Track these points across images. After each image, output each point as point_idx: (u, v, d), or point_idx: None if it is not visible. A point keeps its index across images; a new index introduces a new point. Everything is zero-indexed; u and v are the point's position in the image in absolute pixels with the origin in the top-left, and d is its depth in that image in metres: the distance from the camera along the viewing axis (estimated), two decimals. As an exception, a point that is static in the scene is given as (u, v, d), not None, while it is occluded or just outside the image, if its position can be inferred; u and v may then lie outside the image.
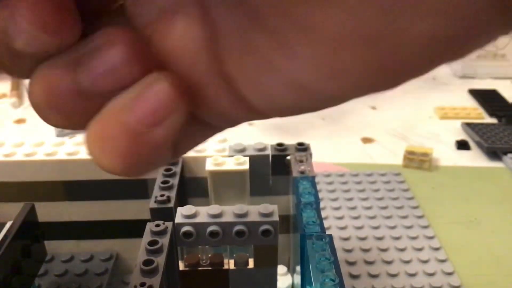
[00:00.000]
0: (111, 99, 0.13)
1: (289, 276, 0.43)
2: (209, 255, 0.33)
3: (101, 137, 0.13)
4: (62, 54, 0.13)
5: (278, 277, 0.35)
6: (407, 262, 0.46)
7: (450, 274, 0.45)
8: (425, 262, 0.46)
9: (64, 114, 0.13)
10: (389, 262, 0.46)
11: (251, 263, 0.33)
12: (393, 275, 0.44)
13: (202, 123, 0.15)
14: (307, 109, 0.14)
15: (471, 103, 0.81)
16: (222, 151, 0.40)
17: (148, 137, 0.12)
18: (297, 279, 0.37)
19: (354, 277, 0.44)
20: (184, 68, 0.13)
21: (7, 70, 0.13)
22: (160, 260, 0.28)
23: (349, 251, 0.48)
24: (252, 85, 0.13)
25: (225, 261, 0.33)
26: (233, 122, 0.15)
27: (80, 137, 0.62)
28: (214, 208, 0.31)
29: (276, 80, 0.12)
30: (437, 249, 0.48)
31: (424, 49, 0.11)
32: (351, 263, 0.46)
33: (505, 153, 0.64)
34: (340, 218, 0.53)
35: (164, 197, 0.34)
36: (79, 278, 0.43)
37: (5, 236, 0.33)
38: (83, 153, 0.41)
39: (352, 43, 0.11)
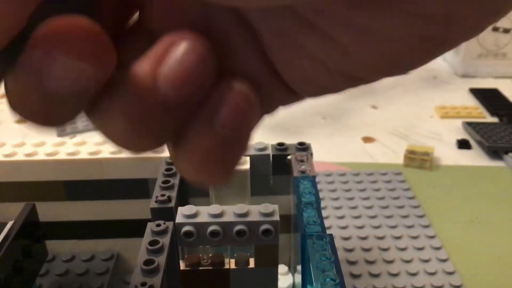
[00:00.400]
0: (192, 111, 0.13)
1: (290, 275, 0.43)
2: (210, 255, 0.33)
3: (200, 154, 0.13)
4: (114, 87, 0.12)
5: (279, 277, 0.35)
6: (408, 261, 0.46)
7: (451, 273, 0.45)
8: (426, 261, 0.46)
9: (154, 135, 0.13)
10: (390, 262, 0.46)
11: (252, 263, 0.33)
12: (394, 275, 0.44)
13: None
14: (340, 91, 0.15)
15: (472, 102, 0.81)
16: (222, 151, 0.40)
17: (235, 137, 0.14)
18: (298, 278, 0.37)
19: (355, 276, 0.44)
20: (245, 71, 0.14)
21: (41, 119, 0.12)
22: (161, 260, 0.28)
23: (350, 250, 0.48)
24: (299, 79, 0.14)
25: (226, 260, 0.33)
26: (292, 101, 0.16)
27: (79, 137, 0.62)
28: (215, 208, 0.31)
29: (323, 73, 0.14)
30: (438, 248, 0.48)
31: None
32: (352, 263, 0.46)
33: (506, 152, 0.64)
34: (341, 217, 0.53)
35: (165, 197, 0.34)
36: (80, 277, 0.43)
37: (6, 236, 0.33)
38: (83, 153, 0.41)
39: (401, 43, 0.13)
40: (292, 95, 0.15)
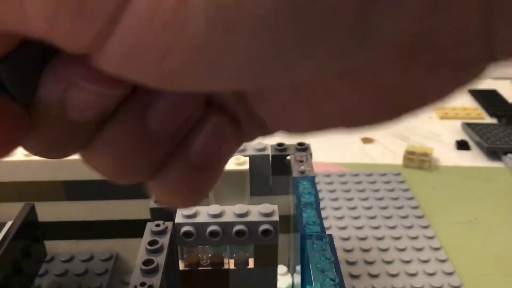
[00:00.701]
0: (177, 145, 0.13)
1: (289, 276, 0.43)
2: (209, 255, 0.33)
3: (173, 187, 0.14)
4: (124, 108, 0.13)
5: (278, 277, 0.35)
6: (407, 262, 0.46)
7: (450, 274, 0.45)
8: (425, 262, 0.46)
9: (138, 169, 0.13)
10: (389, 262, 0.46)
11: (251, 263, 0.33)
12: (393, 275, 0.44)
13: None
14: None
15: (471, 103, 0.81)
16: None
17: (209, 168, 0.14)
18: (297, 279, 0.37)
19: (354, 277, 0.44)
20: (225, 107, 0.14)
21: (60, 147, 0.13)
22: (160, 260, 0.28)
23: (349, 251, 0.48)
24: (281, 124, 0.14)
25: (225, 261, 0.33)
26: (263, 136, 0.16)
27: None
28: (214, 208, 0.31)
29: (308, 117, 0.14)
30: (437, 249, 0.48)
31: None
32: (351, 263, 0.46)
33: (505, 153, 0.64)
34: (340, 218, 0.53)
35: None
36: (79, 278, 0.43)
37: (5, 236, 0.33)
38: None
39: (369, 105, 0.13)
40: (273, 132, 0.15)
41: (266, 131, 0.15)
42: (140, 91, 0.13)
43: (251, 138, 0.15)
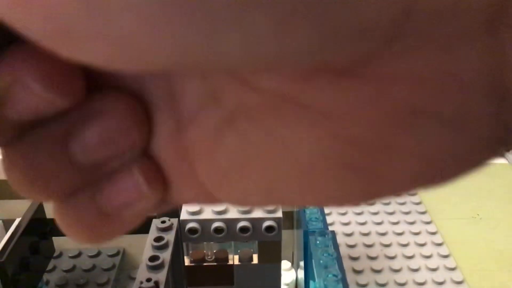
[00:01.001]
0: (100, 171, 0.12)
1: (293, 271, 0.44)
2: (214, 251, 0.34)
3: (75, 218, 0.12)
4: (51, 122, 0.11)
5: (282, 272, 0.36)
6: (410, 257, 0.46)
7: (452, 269, 0.45)
8: (428, 257, 0.46)
9: (48, 189, 0.12)
10: (392, 258, 0.46)
11: (255, 259, 0.34)
12: (396, 270, 0.45)
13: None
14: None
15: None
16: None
17: (116, 218, 0.12)
18: (301, 274, 0.38)
19: (357, 272, 0.45)
20: (157, 158, 0.12)
21: None
22: (166, 256, 0.29)
23: (352, 246, 0.48)
24: (224, 190, 0.12)
25: (230, 256, 0.34)
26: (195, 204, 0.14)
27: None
28: (219, 205, 0.32)
29: (250, 187, 0.12)
30: (439, 244, 0.48)
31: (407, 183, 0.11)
32: (354, 259, 0.46)
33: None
34: (343, 214, 0.53)
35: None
36: (86, 273, 0.43)
37: (14, 232, 0.34)
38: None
39: (327, 167, 0.10)
40: (209, 198, 0.13)
41: (210, 199, 0.13)
42: (74, 112, 0.11)
43: (186, 201, 0.13)
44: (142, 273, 0.27)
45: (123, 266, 0.45)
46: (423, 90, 0.09)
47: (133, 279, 0.43)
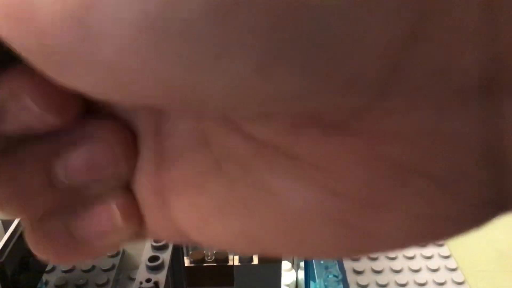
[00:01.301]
0: (80, 196, 0.12)
1: (293, 271, 0.43)
2: (214, 251, 0.34)
3: (45, 239, 0.12)
4: (39, 140, 0.11)
5: (283, 273, 0.36)
6: (411, 258, 0.46)
7: (453, 270, 0.45)
8: (429, 258, 0.46)
9: (24, 206, 0.12)
10: (392, 258, 0.46)
11: (255, 259, 0.34)
12: (397, 271, 0.45)
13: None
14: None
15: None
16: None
17: (87, 246, 0.12)
18: (301, 275, 0.38)
19: (357, 272, 0.44)
20: (136, 193, 0.12)
21: None
22: (166, 257, 0.28)
23: (353, 247, 0.48)
24: (198, 232, 0.12)
25: (230, 257, 0.34)
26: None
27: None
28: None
29: (225, 232, 0.11)
30: (440, 245, 0.48)
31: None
32: (355, 259, 0.46)
33: (509, 149, 0.64)
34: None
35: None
36: (86, 274, 0.43)
37: (13, 232, 0.33)
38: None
39: (315, 220, 0.10)
40: (183, 238, 0.12)
41: (185, 239, 0.12)
42: (65, 132, 0.11)
43: (159, 238, 0.13)
44: (142, 274, 0.27)
45: (123, 266, 0.45)
46: (416, 149, 0.09)
47: (133, 279, 0.43)
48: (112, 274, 0.43)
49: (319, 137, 0.09)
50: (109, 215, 0.12)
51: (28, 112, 0.10)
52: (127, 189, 0.12)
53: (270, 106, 0.09)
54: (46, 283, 0.42)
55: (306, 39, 0.07)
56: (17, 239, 0.33)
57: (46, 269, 0.41)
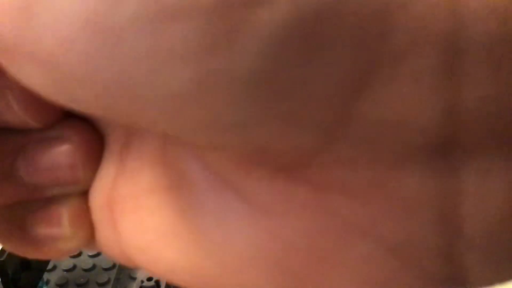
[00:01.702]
0: (39, 194, 0.12)
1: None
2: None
3: (5, 228, 0.12)
4: (10, 135, 0.11)
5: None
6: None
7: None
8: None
9: None
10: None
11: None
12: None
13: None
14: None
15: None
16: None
17: (42, 246, 0.12)
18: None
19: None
20: (90, 202, 0.12)
21: None
22: (167, 255, 0.28)
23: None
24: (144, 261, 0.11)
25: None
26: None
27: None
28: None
29: (166, 260, 0.11)
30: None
31: None
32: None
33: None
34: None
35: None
36: (87, 273, 0.43)
37: (14, 231, 0.33)
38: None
39: (255, 264, 0.10)
40: (128, 261, 0.12)
41: (130, 262, 0.12)
42: (35, 131, 0.11)
43: (109, 256, 0.13)
44: (143, 273, 0.27)
45: (124, 265, 0.45)
46: (366, 208, 0.08)
47: (134, 278, 0.43)
48: (113, 273, 0.43)
49: (269, 179, 0.09)
50: (58, 220, 0.12)
51: (9, 110, 0.11)
52: (84, 198, 0.12)
53: (208, 135, 0.08)
54: (47, 282, 0.42)
55: (244, 68, 0.07)
56: (18, 238, 0.33)
57: (47, 268, 0.41)
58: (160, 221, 0.11)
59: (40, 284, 0.38)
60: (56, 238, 0.12)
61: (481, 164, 0.08)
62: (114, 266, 0.43)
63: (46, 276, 0.41)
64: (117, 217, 0.11)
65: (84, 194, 0.12)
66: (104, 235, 0.12)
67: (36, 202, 0.12)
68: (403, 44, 0.07)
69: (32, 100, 0.10)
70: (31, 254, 0.12)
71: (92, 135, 0.12)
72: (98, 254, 0.44)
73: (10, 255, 0.32)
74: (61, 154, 0.11)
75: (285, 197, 0.09)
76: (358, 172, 0.08)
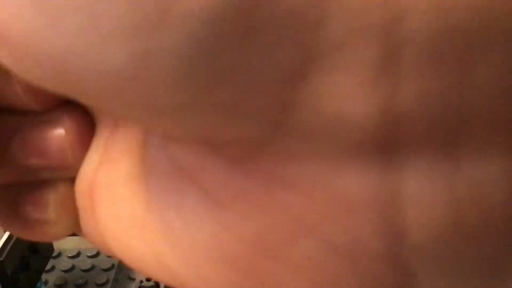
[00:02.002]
0: (29, 174, 0.12)
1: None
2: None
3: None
4: (12, 116, 0.12)
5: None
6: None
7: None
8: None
9: None
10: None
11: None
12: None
13: None
14: None
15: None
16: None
17: (32, 229, 0.12)
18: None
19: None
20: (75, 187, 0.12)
21: None
22: (165, 256, 0.28)
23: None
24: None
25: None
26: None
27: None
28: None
29: (139, 250, 0.11)
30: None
31: None
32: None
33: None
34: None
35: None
36: (85, 273, 0.43)
37: (13, 232, 0.33)
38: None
39: (211, 257, 0.10)
40: (107, 249, 0.12)
41: (108, 251, 0.12)
42: (32, 113, 0.12)
43: (92, 242, 0.13)
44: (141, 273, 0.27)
45: (123, 266, 0.45)
46: (311, 205, 0.08)
47: (133, 279, 0.43)
48: (112, 274, 0.43)
49: (224, 172, 0.09)
50: (45, 205, 0.12)
51: (14, 94, 0.11)
52: (71, 184, 0.12)
53: (148, 117, 0.08)
54: (46, 283, 0.42)
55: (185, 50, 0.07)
56: (16, 239, 0.33)
57: (46, 269, 0.41)
58: (132, 211, 0.11)
59: (38, 285, 0.38)
60: (42, 222, 0.12)
61: (424, 164, 0.07)
62: (113, 266, 0.43)
63: (44, 276, 0.41)
64: (96, 204, 0.12)
65: (72, 180, 0.12)
66: (86, 222, 0.12)
67: (28, 185, 0.12)
68: (339, 34, 0.07)
69: (37, 89, 0.10)
70: (22, 235, 0.13)
71: (84, 122, 0.12)
72: (97, 255, 0.44)
73: (9, 255, 0.32)
74: (53, 138, 0.12)
75: (239, 191, 0.09)
76: (305, 168, 0.08)
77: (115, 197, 0.11)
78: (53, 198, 0.12)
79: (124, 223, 0.11)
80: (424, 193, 0.08)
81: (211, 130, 0.08)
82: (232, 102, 0.07)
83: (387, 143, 0.07)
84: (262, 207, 0.09)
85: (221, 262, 0.10)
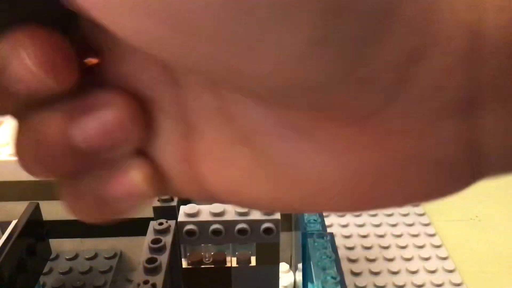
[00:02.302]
0: (99, 160, 0.13)
1: (291, 273, 0.43)
2: (212, 253, 0.34)
3: (76, 198, 0.13)
4: (56, 104, 0.12)
5: (280, 275, 0.36)
6: (409, 259, 0.46)
7: (451, 271, 0.45)
8: (426, 259, 0.46)
9: (49, 168, 0.13)
10: (390, 260, 0.46)
11: (253, 261, 0.34)
12: (395, 273, 0.45)
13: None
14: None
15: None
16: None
17: (115, 207, 0.13)
18: (299, 276, 0.38)
19: (355, 274, 0.45)
20: (159, 158, 0.13)
21: None
22: (163, 258, 0.28)
23: (350, 248, 0.48)
24: (224, 191, 0.13)
25: (228, 259, 0.34)
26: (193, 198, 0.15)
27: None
28: (217, 207, 0.32)
29: (252, 195, 0.13)
30: (438, 246, 0.48)
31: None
32: (353, 261, 0.46)
33: (507, 151, 0.64)
34: (342, 216, 0.53)
35: (167, 196, 0.34)
36: (83, 276, 0.43)
37: (10, 234, 0.33)
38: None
39: (330, 188, 0.12)
40: (210, 198, 0.13)
41: (211, 199, 0.13)
42: (79, 100, 0.12)
43: (184, 196, 0.14)
44: (139, 276, 0.27)
45: (120, 268, 0.45)
46: (419, 142, 0.11)
47: (130, 281, 0.43)
48: (109, 276, 0.43)
49: (336, 127, 0.11)
50: (130, 179, 0.13)
51: (26, 71, 0.11)
52: (149, 156, 0.13)
53: (303, 94, 0.10)
54: (44, 285, 0.42)
55: (351, 29, 0.09)
56: (14, 241, 0.33)
57: (44, 271, 0.41)
58: (240, 165, 0.12)
59: (36, 287, 0.38)
60: (132, 195, 0.13)
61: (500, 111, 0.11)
62: (111, 268, 0.43)
63: (42, 279, 0.41)
64: (196, 168, 0.13)
65: (145, 152, 0.13)
66: (183, 184, 0.13)
67: (101, 168, 0.13)
68: (448, 28, 0.10)
69: (47, 58, 0.11)
70: (110, 215, 0.14)
71: (133, 98, 0.12)
72: (95, 257, 0.44)
73: (7, 257, 0.32)
74: (110, 118, 0.12)
75: (349, 139, 0.11)
76: (413, 119, 0.11)
77: (221, 160, 0.13)
78: (138, 171, 0.13)
79: (235, 177, 0.13)
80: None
81: (346, 100, 0.10)
82: (367, 78, 0.10)
83: (471, 102, 0.10)
84: (371, 150, 0.11)
85: (338, 192, 0.12)
